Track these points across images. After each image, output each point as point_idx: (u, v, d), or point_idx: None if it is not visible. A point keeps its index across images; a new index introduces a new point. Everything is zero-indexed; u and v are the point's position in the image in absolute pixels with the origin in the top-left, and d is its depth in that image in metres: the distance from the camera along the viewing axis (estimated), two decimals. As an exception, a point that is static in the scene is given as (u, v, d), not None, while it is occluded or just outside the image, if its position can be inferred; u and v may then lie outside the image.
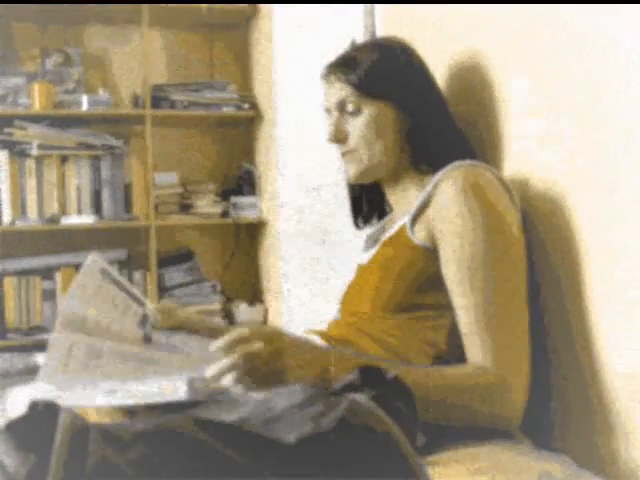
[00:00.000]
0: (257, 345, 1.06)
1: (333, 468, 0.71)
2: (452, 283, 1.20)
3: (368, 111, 1.34)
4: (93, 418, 1.04)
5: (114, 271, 1.32)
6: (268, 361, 1.05)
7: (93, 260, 1.26)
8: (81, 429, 0.67)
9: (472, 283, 1.17)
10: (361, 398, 0.76)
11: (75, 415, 0.68)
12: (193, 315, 1.43)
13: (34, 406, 0.69)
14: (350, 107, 1.35)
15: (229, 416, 0.77)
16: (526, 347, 1.17)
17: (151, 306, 1.31)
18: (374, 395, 0.77)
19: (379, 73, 1.35)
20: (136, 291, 1.35)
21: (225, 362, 1.05)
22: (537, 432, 1.23)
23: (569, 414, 1.23)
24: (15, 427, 0.68)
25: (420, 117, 1.35)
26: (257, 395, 0.97)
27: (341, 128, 1.37)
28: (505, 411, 1.14)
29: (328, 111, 1.40)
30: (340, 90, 1.36)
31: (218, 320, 1.62)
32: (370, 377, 0.80)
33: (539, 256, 1.27)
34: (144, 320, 1.31)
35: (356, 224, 1.55)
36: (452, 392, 1.13)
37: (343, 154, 1.39)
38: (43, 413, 0.68)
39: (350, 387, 0.80)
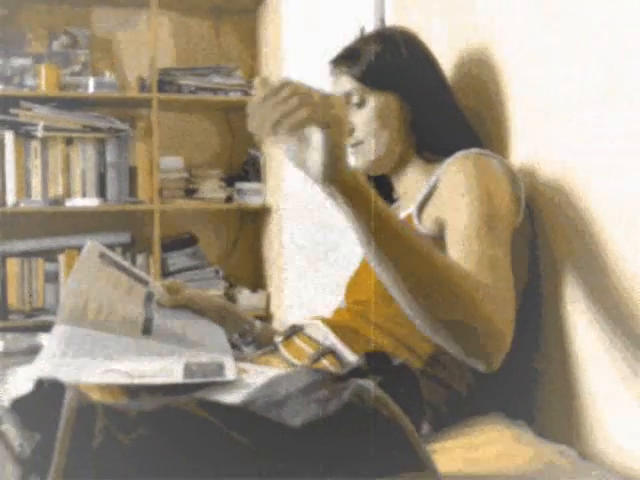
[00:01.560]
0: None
1: (338, 452, 0.71)
2: (450, 244, 1.17)
3: (372, 102, 1.36)
4: (96, 399, 1.04)
5: (113, 254, 1.32)
6: (323, 95, 0.93)
7: (91, 245, 1.26)
8: (87, 407, 0.66)
9: (472, 241, 1.13)
10: (367, 384, 0.75)
11: (81, 393, 0.68)
12: (199, 293, 1.44)
13: (39, 384, 0.69)
14: (355, 99, 1.37)
15: (233, 398, 0.77)
16: (512, 293, 1.10)
17: (157, 283, 1.31)
18: (380, 381, 0.77)
19: (381, 65, 1.36)
20: (139, 271, 1.36)
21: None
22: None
23: (552, 402, 1.23)
24: (20, 405, 0.68)
25: (423, 106, 1.36)
26: (259, 380, 0.97)
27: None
28: (493, 319, 1.03)
29: None
30: (345, 83, 1.38)
31: (223, 299, 1.61)
32: (376, 363, 0.80)
33: (544, 244, 1.27)
34: (149, 297, 1.31)
35: None
36: (454, 276, 1.02)
37: (350, 146, 1.40)
38: (48, 391, 0.68)
39: (356, 372, 0.80)
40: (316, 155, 0.94)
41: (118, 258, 1.33)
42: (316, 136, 0.94)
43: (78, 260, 1.24)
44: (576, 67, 1.18)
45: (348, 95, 1.38)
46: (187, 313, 1.37)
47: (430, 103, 1.36)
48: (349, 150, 1.42)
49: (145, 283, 1.34)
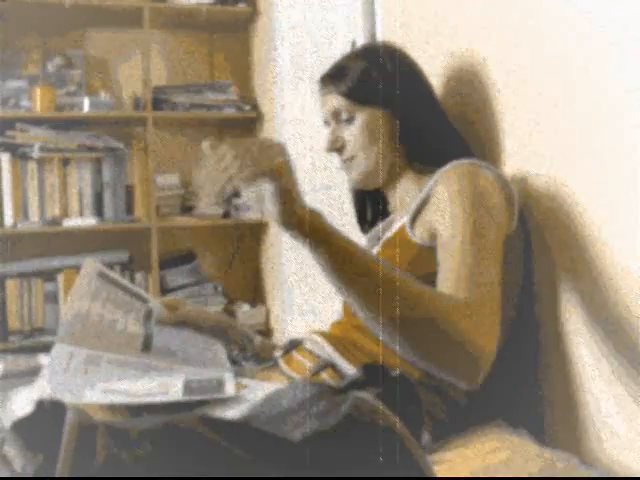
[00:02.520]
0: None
1: (339, 465, 0.71)
2: (440, 256, 1.18)
3: (361, 118, 1.38)
4: (97, 417, 1.04)
5: (112, 273, 1.33)
6: (261, 146, 0.97)
7: (90, 264, 1.27)
8: (88, 427, 0.67)
9: (456, 253, 1.15)
10: (366, 395, 0.76)
11: (82, 413, 0.68)
12: (198, 310, 1.44)
13: (41, 405, 0.70)
14: (344, 115, 1.40)
15: (234, 414, 0.78)
16: (497, 310, 1.11)
17: (156, 301, 1.31)
18: (379, 392, 0.77)
19: (367, 80, 1.38)
20: (138, 289, 1.36)
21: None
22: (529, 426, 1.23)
23: (553, 409, 1.23)
24: (22, 426, 0.68)
25: (411, 119, 1.37)
26: (259, 395, 0.98)
27: (337, 137, 1.42)
28: (473, 339, 1.04)
29: (326, 122, 1.45)
30: (333, 100, 1.40)
31: (223, 315, 1.61)
32: (374, 375, 0.81)
33: (537, 249, 1.27)
34: (148, 315, 1.31)
35: (362, 229, 1.58)
36: (425, 302, 1.05)
37: (343, 162, 1.43)
38: (50, 411, 0.69)
39: (354, 384, 0.80)
40: (270, 204, 0.98)
41: (117, 276, 1.33)
42: (267, 186, 0.97)
43: (77, 279, 1.24)
44: (563, 79, 1.19)
45: (337, 112, 1.40)
46: (186, 330, 1.37)
47: (418, 116, 1.38)
48: (343, 165, 1.43)
49: (144, 300, 1.34)
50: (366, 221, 1.57)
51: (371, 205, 1.56)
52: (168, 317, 1.36)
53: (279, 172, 0.96)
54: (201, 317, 1.42)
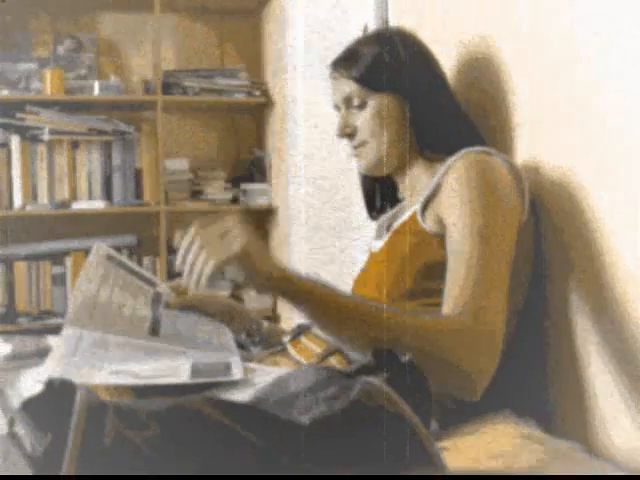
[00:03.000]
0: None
1: (347, 450, 0.71)
2: (449, 255, 1.20)
3: (373, 103, 1.37)
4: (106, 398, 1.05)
5: (121, 256, 1.33)
6: (221, 234, 1.06)
7: (99, 247, 1.27)
8: (98, 407, 0.67)
9: (463, 254, 1.16)
10: (375, 381, 0.76)
11: (92, 393, 0.68)
12: (206, 295, 1.44)
13: (50, 384, 0.70)
14: (355, 101, 1.38)
15: (242, 397, 0.78)
16: (502, 317, 1.13)
17: (164, 285, 1.32)
18: (388, 378, 0.77)
19: (380, 66, 1.36)
20: (146, 273, 1.36)
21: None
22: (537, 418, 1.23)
23: (561, 399, 1.23)
24: (32, 406, 0.68)
25: (423, 105, 1.36)
26: (268, 379, 0.98)
27: (349, 123, 1.40)
28: (466, 371, 1.08)
29: (337, 107, 1.44)
30: (345, 86, 1.39)
31: (230, 300, 1.62)
32: (384, 360, 0.81)
33: (548, 240, 1.27)
34: (157, 299, 1.31)
35: (370, 215, 1.58)
36: (419, 330, 1.09)
37: (353, 148, 1.42)
38: (59, 391, 0.69)
39: (363, 370, 0.80)
40: (243, 278, 1.06)
41: (125, 259, 1.33)
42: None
43: (85, 262, 1.24)
44: (581, 66, 1.18)
45: (348, 98, 1.39)
46: (194, 314, 1.37)
47: (429, 102, 1.37)
48: (353, 151, 1.42)
49: (152, 284, 1.34)
50: (375, 207, 1.57)
51: (380, 191, 1.56)
52: (176, 301, 1.36)
53: (243, 256, 1.03)
54: (209, 301, 1.42)
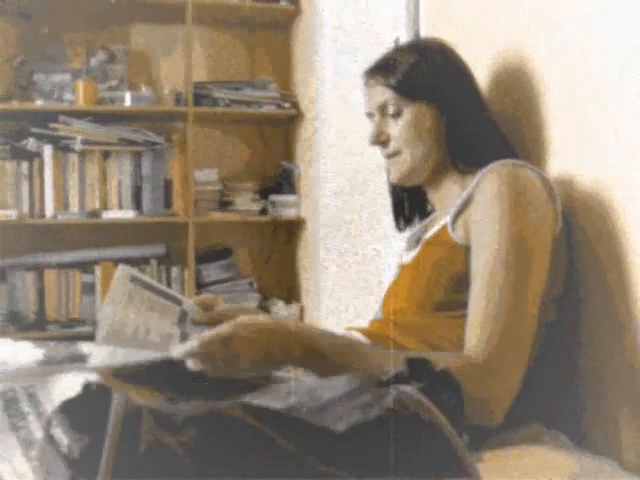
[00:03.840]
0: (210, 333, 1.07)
1: (381, 457, 0.71)
2: (473, 280, 1.19)
3: (408, 113, 1.36)
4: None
5: (145, 276, 1.33)
6: (220, 348, 1.04)
7: (123, 270, 1.28)
8: (134, 410, 0.67)
9: (486, 282, 1.16)
10: (409, 389, 0.76)
11: (128, 397, 0.69)
12: (233, 308, 1.44)
13: (87, 387, 0.70)
14: (391, 109, 1.37)
15: (277, 404, 0.78)
16: (524, 350, 1.14)
17: (190, 301, 1.32)
18: (422, 387, 0.77)
19: (417, 75, 1.36)
20: (171, 291, 1.36)
21: (183, 348, 1.06)
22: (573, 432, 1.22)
23: (591, 412, 1.22)
24: (69, 407, 0.69)
25: (458, 117, 1.35)
26: (302, 387, 0.98)
27: (382, 131, 1.39)
28: (482, 403, 1.09)
29: (370, 115, 1.42)
30: (380, 93, 1.38)
31: (257, 311, 1.61)
32: (418, 369, 0.81)
33: (581, 252, 1.26)
34: (183, 316, 1.32)
35: (398, 226, 1.56)
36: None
37: (386, 156, 1.41)
38: (96, 394, 0.70)
39: (398, 379, 0.80)
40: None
41: (149, 279, 1.34)
42: None
43: (110, 286, 1.26)
44: (614, 78, 1.17)
45: (383, 106, 1.38)
46: None
47: (465, 114, 1.36)
48: (386, 160, 1.42)
49: (179, 302, 1.35)
50: (403, 218, 1.56)
51: (409, 202, 1.55)
52: (203, 317, 1.36)
53: (241, 360, 1.04)
54: (237, 315, 1.41)
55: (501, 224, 1.18)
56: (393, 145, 1.39)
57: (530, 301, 1.16)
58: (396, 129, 1.37)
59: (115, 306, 1.21)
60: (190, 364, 1.04)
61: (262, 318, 1.12)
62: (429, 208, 1.52)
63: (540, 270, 1.18)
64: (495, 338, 1.11)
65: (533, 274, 1.17)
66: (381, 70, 1.39)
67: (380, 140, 1.40)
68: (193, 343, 1.04)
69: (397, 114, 1.37)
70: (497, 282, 1.15)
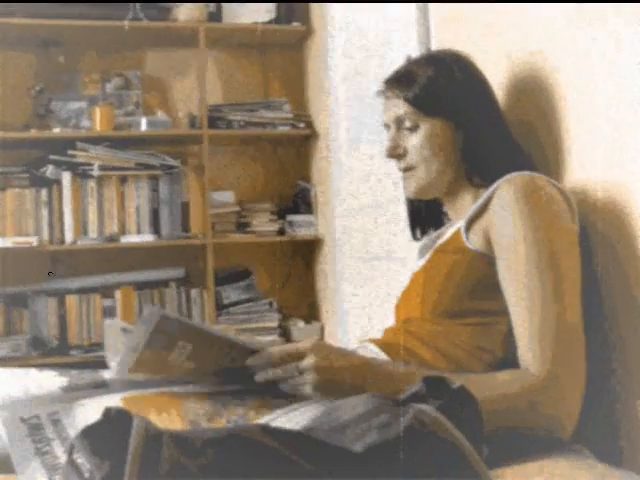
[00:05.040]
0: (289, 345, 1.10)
1: (399, 477, 0.71)
2: (507, 291, 1.19)
3: (425, 128, 1.35)
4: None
5: (129, 326, 1.31)
6: (318, 373, 1.06)
7: (111, 323, 1.27)
8: (154, 435, 0.68)
9: (524, 292, 1.16)
10: (427, 408, 0.76)
11: (148, 421, 0.70)
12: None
13: (108, 413, 0.71)
14: (407, 123, 1.36)
15: (295, 425, 0.78)
16: (580, 354, 1.14)
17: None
18: (440, 405, 0.77)
19: (435, 90, 1.35)
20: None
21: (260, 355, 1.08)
22: (602, 445, 1.21)
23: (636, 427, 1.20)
24: (91, 433, 0.70)
25: (475, 133, 1.34)
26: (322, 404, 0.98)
27: (399, 144, 1.38)
28: (554, 419, 1.11)
29: (387, 126, 1.42)
30: (397, 106, 1.37)
31: (270, 336, 1.62)
32: (435, 387, 0.81)
33: (604, 265, 1.25)
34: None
35: (414, 235, 1.55)
36: (499, 400, 1.09)
37: (402, 170, 1.40)
38: (116, 420, 0.70)
39: (415, 397, 0.80)
40: None
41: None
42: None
43: (105, 340, 1.26)
44: (630, 82, 1.16)
45: (400, 119, 1.37)
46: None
47: (482, 130, 1.35)
48: (401, 174, 1.41)
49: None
50: (419, 227, 1.55)
51: (426, 213, 1.54)
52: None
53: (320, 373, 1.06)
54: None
55: (525, 230, 1.18)
56: (409, 160, 1.38)
57: (569, 303, 1.15)
58: (412, 144, 1.36)
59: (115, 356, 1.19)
60: (260, 375, 1.07)
61: (338, 346, 1.15)
62: (446, 220, 1.52)
63: (572, 271, 1.18)
64: (549, 351, 1.12)
65: (567, 277, 1.16)
66: (399, 83, 1.37)
67: (396, 153, 1.39)
68: (274, 349, 1.07)
69: (413, 128, 1.36)
70: (533, 291, 1.15)
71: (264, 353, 1.07)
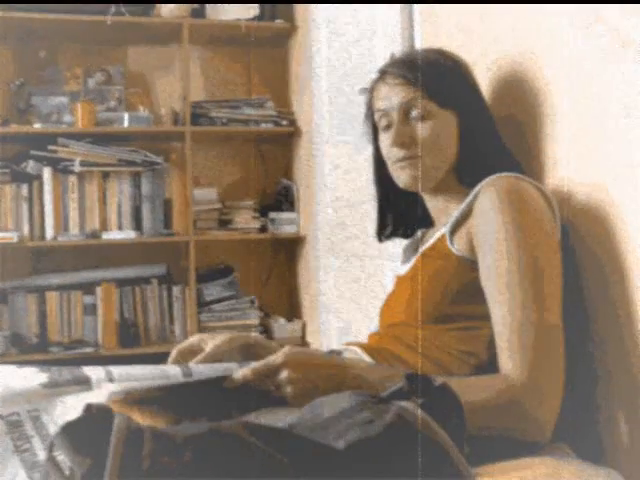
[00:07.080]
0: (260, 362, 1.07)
1: (381, 474, 0.72)
2: (489, 294, 1.19)
3: (435, 119, 1.30)
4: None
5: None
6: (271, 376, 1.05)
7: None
8: (135, 432, 0.68)
9: (505, 296, 1.15)
10: (409, 405, 0.76)
11: (129, 418, 0.69)
12: (222, 343, 1.28)
13: (88, 409, 0.71)
14: (415, 112, 1.30)
15: (277, 422, 0.78)
16: (559, 357, 1.13)
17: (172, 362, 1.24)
18: (422, 402, 0.77)
19: (452, 82, 1.32)
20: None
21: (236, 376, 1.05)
22: (584, 444, 1.22)
23: (617, 426, 1.21)
24: (71, 430, 0.69)
25: (475, 131, 1.33)
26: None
27: (405, 132, 1.31)
28: (533, 423, 1.10)
29: (384, 114, 1.34)
30: (405, 92, 1.31)
31: (250, 337, 1.53)
32: (418, 384, 0.81)
33: (585, 265, 1.26)
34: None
35: (379, 237, 1.51)
36: (478, 404, 1.08)
37: (400, 159, 1.33)
38: (97, 416, 0.70)
39: (398, 394, 0.80)
40: None
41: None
42: None
43: None
44: (619, 86, 1.17)
45: (408, 106, 1.30)
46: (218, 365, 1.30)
47: (482, 128, 1.34)
48: (398, 162, 1.34)
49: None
50: (385, 230, 1.50)
51: (394, 215, 1.49)
52: (198, 361, 1.24)
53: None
54: (227, 348, 1.28)
55: (506, 233, 1.17)
56: (412, 150, 1.31)
57: (549, 306, 1.15)
58: (419, 134, 1.30)
59: None
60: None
61: (311, 350, 1.14)
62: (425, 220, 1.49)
63: (554, 274, 1.17)
64: (528, 355, 1.11)
65: (548, 280, 1.16)
66: (411, 70, 1.30)
67: (402, 142, 1.31)
68: (245, 371, 1.04)
69: (425, 117, 1.30)
70: (513, 296, 1.14)
71: (237, 379, 1.04)
